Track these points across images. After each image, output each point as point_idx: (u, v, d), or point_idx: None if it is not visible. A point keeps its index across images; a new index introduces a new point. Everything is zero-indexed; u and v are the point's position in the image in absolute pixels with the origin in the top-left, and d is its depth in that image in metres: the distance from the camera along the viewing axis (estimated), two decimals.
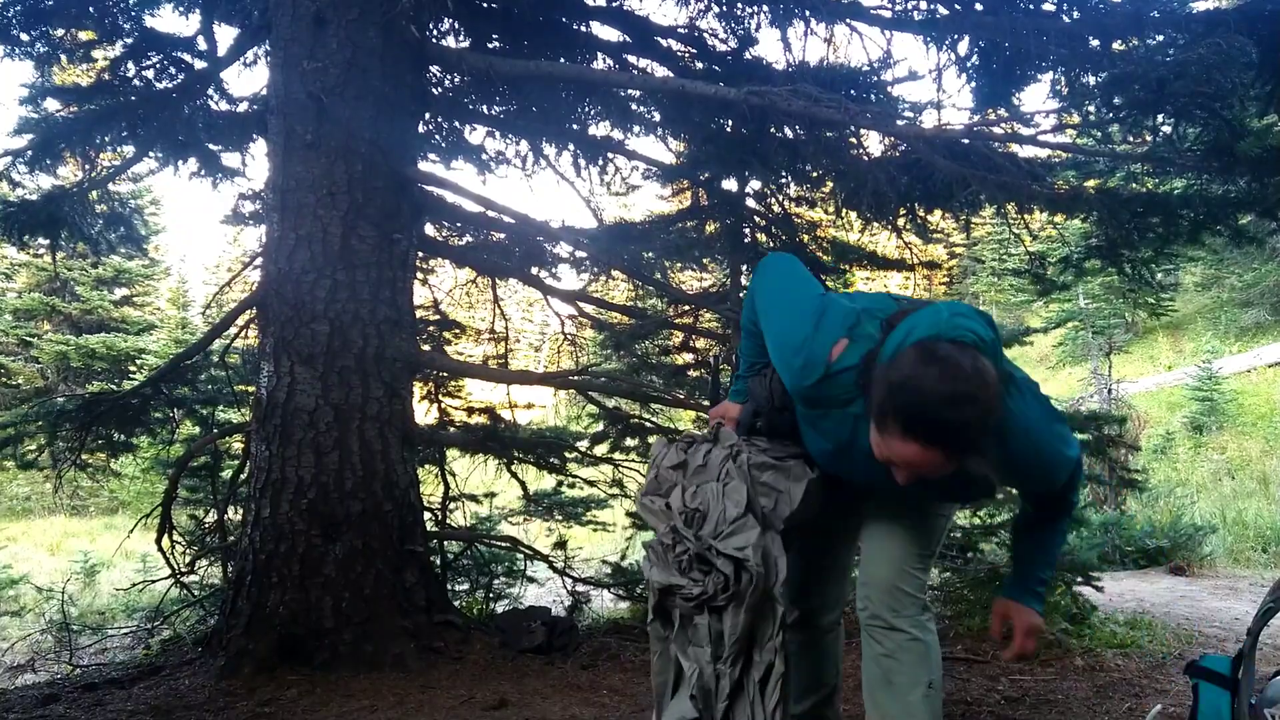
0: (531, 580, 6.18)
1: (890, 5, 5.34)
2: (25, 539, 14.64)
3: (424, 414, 5.88)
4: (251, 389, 5.25)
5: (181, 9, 5.96)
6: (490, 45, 5.80)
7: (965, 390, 1.78)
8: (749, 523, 2.29)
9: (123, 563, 9.65)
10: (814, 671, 2.63)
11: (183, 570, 5.42)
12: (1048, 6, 4.94)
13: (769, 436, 2.43)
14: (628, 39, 5.98)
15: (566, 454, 5.79)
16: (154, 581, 5.95)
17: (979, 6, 5.03)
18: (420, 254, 5.50)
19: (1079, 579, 4.90)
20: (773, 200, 6.02)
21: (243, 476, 5.21)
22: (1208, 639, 4.85)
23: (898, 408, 1.82)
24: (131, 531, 5.81)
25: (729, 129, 5.25)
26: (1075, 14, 4.80)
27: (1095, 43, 4.56)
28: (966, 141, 4.48)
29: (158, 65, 5.93)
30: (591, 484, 6.14)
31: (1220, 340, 19.79)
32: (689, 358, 6.41)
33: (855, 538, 2.54)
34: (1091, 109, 4.73)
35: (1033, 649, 2.25)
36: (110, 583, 9.27)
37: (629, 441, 5.94)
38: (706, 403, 4.50)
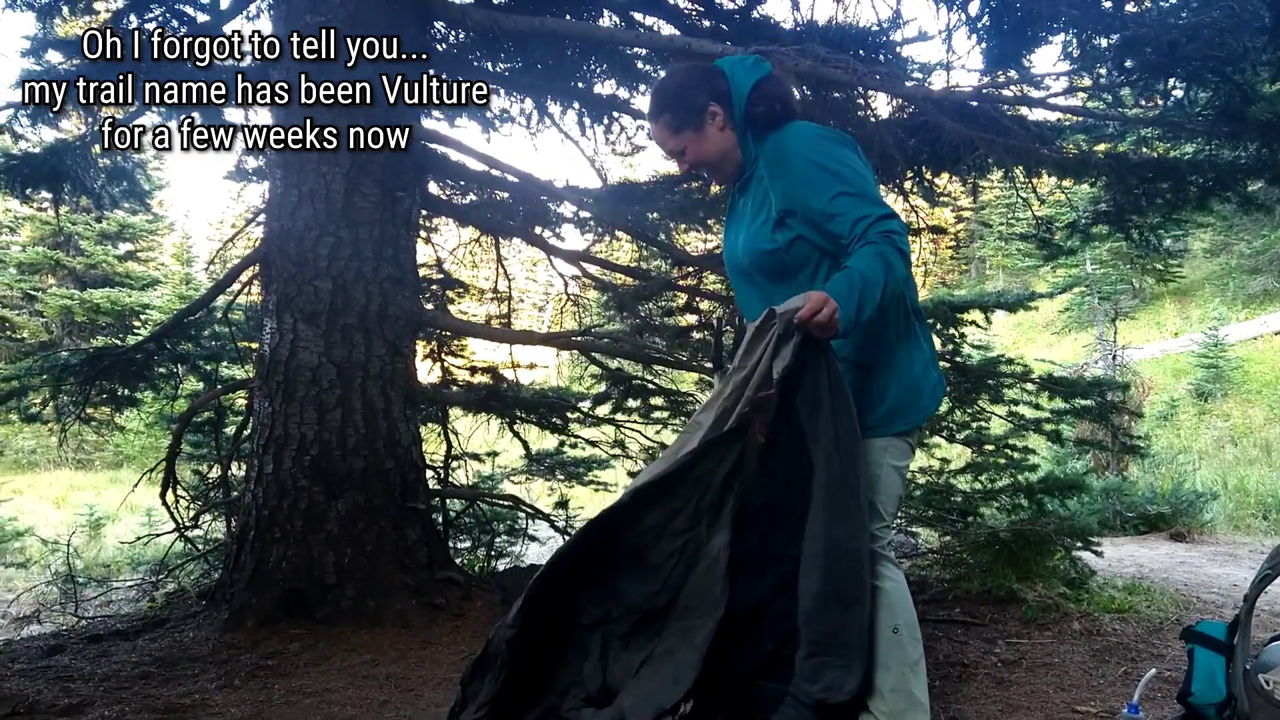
0: (533, 539, 6.21)
1: None
2: (31, 492, 14.75)
3: (427, 373, 5.88)
4: (255, 345, 5.25)
5: None
6: (495, 1, 5.73)
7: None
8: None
9: (127, 516, 9.73)
10: None
11: (187, 524, 5.45)
12: None
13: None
14: None
15: (569, 414, 5.79)
16: (158, 535, 5.98)
17: None
18: (423, 212, 5.47)
19: (1079, 544, 4.92)
20: None
21: (246, 432, 5.22)
22: (1205, 605, 4.88)
23: None
24: (136, 485, 5.85)
25: None
26: None
27: (1108, 4, 4.49)
28: (975, 104, 4.44)
29: (160, 17, 5.85)
30: (593, 444, 6.16)
31: (1227, 307, 19.73)
32: (692, 319, 6.37)
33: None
34: (1103, 72, 4.67)
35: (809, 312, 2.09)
36: (115, 536, 9.34)
37: (631, 403, 5.93)
38: (709, 365, 4.49)
